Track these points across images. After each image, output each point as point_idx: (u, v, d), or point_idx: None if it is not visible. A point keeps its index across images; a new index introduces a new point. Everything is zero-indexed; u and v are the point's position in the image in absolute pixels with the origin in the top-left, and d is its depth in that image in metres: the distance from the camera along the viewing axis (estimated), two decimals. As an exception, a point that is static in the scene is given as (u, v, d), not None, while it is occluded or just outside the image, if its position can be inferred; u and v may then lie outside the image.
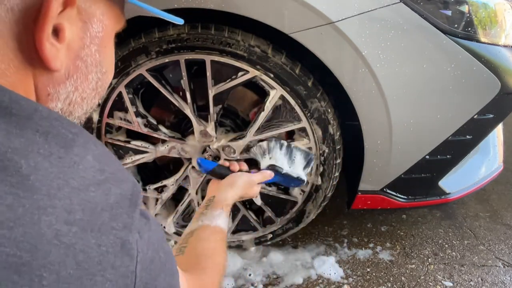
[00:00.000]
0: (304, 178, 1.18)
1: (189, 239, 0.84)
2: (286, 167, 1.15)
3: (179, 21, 0.59)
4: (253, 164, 1.47)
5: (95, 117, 1.28)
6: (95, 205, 0.37)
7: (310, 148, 1.24)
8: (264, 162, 1.16)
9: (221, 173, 1.07)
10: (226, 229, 0.91)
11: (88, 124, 1.30)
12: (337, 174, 1.30)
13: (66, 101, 0.46)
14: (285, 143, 1.17)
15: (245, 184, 1.04)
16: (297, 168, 1.17)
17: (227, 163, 1.09)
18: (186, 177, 1.38)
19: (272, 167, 1.14)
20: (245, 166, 1.10)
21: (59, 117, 0.39)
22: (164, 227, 1.49)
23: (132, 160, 1.36)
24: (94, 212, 0.36)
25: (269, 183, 1.17)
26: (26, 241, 0.31)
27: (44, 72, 0.42)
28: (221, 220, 0.91)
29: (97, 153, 0.40)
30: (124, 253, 0.38)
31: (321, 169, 1.27)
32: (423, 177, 1.29)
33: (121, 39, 1.17)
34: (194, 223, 0.91)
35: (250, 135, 1.24)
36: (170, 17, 0.56)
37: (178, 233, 1.50)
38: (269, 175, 1.11)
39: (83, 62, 0.46)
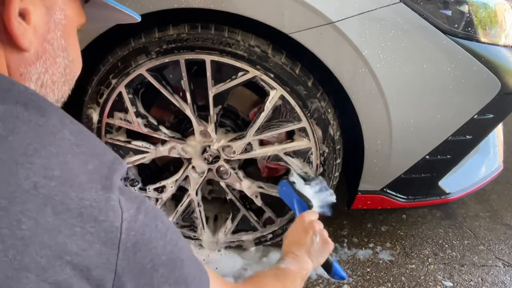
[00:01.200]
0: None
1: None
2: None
3: (137, 17, 0.63)
4: (252, 165, 1.47)
5: (95, 117, 1.28)
6: (72, 167, 0.39)
7: (309, 148, 1.24)
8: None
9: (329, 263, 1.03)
10: (288, 267, 0.88)
11: (88, 124, 1.30)
12: (337, 174, 1.30)
13: (38, 82, 0.49)
14: None
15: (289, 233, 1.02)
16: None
17: None
18: (187, 178, 1.38)
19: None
20: None
21: (35, 93, 0.42)
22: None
23: (132, 160, 1.36)
24: (72, 174, 0.39)
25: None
26: (3, 188, 0.34)
27: (15, 52, 0.46)
28: (280, 264, 0.90)
29: (73, 129, 0.42)
30: (109, 209, 0.40)
31: (321, 169, 1.27)
32: (423, 177, 1.29)
33: (121, 39, 1.17)
34: None
35: (250, 135, 1.24)
36: (127, 10, 0.60)
37: (185, 236, 1.50)
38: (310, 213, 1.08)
39: (50, 45, 0.50)
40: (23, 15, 0.45)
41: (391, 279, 1.44)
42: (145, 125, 1.28)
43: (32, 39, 0.46)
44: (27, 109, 0.39)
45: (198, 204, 1.42)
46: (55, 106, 0.44)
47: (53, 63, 0.50)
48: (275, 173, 1.47)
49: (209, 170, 1.35)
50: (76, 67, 0.56)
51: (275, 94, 1.16)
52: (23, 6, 0.44)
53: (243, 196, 1.42)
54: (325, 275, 1.43)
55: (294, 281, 0.85)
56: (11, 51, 0.46)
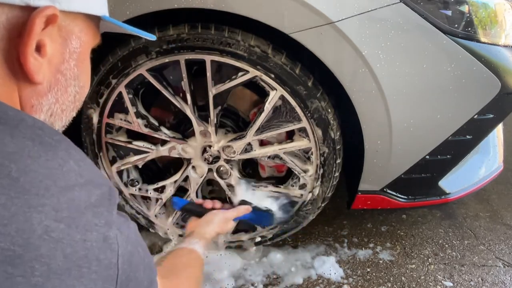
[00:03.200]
0: (274, 212, 1.23)
1: (167, 255, 0.93)
2: (255, 202, 1.22)
3: (152, 37, 0.63)
4: (252, 164, 1.48)
5: (95, 118, 1.28)
6: (79, 203, 0.40)
7: (309, 148, 1.24)
8: (237, 198, 1.25)
9: (195, 210, 1.16)
10: (202, 255, 0.97)
11: (88, 124, 1.30)
12: (337, 174, 1.30)
13: (48, 112, 0.49)
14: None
15: (221, 221, 1.12)
16: (266, 203, 1.24)
17: (200, 201, 1.19)
18: (187, 178, 1.38)
19: (243, 202, 1.21)
20: (218, 204, 1.18)
21: (42, 126, 0.42)
22: (168, 229, 1.49)
23: (133, 160, 1.36)
24: (79, 210, 0.40)
25: (241, 220, 1.22)
26: (19, 236, 0.35)
27: (27, 84, 0.45)
28: (198, 246, 0.98)
29: (77, 158, 0.43)
30: (107, 247, 0.41)
31: (321, 170, 1.27)
32: (423, 177, 1.29)
33: (121, 39, 1.16)
34: (173, 248, 0.99)
35: (250, 135, 1.24)
36: (143, 34, 0.60)
37: (183, 235, 1.51)
38: (244, 210, 1.18)
39: (63, 76, 0.49)
40: (38, 47, 0.44)
41: (391, 279, 1.44)
42: (146, 126, 1.28)
43: (46, 72, 0.46)
44: (34, 144, 0.39)
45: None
46: (61, 136, 0.44)
47: (64, 93, 0.50)
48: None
49: (209, 170, 1.35)
50: (86, 91, 0.55)
51: (275, 94, 1.16)
52: (40, 38, 0.43)
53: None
54: (325, 275, 1.43)
55: (202, 264, 0.96)
56: (24, 84, 0.45)
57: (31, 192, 0.36)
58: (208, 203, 1.17)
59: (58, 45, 0.47)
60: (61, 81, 0.49)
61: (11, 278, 0.34)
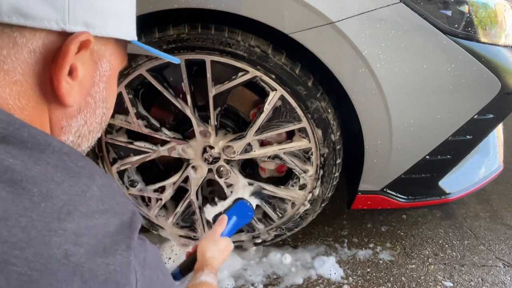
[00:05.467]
0: (246, 198, 1.24)
1: None
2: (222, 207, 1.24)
3: (176, 60, 0.65)
4: (252, 165, 1.47)
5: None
6: (97, 231, 0.40)
7: (309, 149, 1.24)
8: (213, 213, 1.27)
9: (190, 261, 1.07)
10: (213, 282, 0.94)
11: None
12: (337, 174, 1.30)
13: (77, 134, 0.50)
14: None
15: (208, 239, 1.06)
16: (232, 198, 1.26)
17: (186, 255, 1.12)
18: (187, 179, 1.38)
19: (216, 217, 1.21)
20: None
21: (68, 151, 0.42)
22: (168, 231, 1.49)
23: (134, 160, 1.36)
24: (97, 238, 0.39)
25: (234, 232, 1.20)
26: (36, 260, 0.34)
27: (58, 107, 0.46)
28: (203, 277, 0.95)
29: (100, 183, 0.43)
30: (130, 271, 0.41)
31: (321, 170, 1.27)
32: (423, 177, 1.29)
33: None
34: None
35: (250, 135, 1.24)
36: (168, 57, 0.63)
37: (185, 236, 1.51)
38: (222, 220, 1.14)
39: (93, 98, 0.50)
40: (70, 71, 0.44)
41: (391, 279, 1.44)
42: (146, 126, 1.28)
43: (77, 95, 0.46)
44: (57, 170, 0.39)
45: (199, 207, 1.42)
46: (86, 161, 0.44)
47: (92, 115, 0.51)
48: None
49: (209, 170, 1.35)
50: (111, 111, 0.56)
51: (275, 95, 1.16)
52: (73, 61, 0.44)
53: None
54: (325, 275, 1.43)
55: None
56: (55, 107, 0.46)
57: (53, 216, 0.36)
58: (190, 249, 1.12)
59: (89, 69, 0.48)
60: (90, 103, 0.50)
61: None
